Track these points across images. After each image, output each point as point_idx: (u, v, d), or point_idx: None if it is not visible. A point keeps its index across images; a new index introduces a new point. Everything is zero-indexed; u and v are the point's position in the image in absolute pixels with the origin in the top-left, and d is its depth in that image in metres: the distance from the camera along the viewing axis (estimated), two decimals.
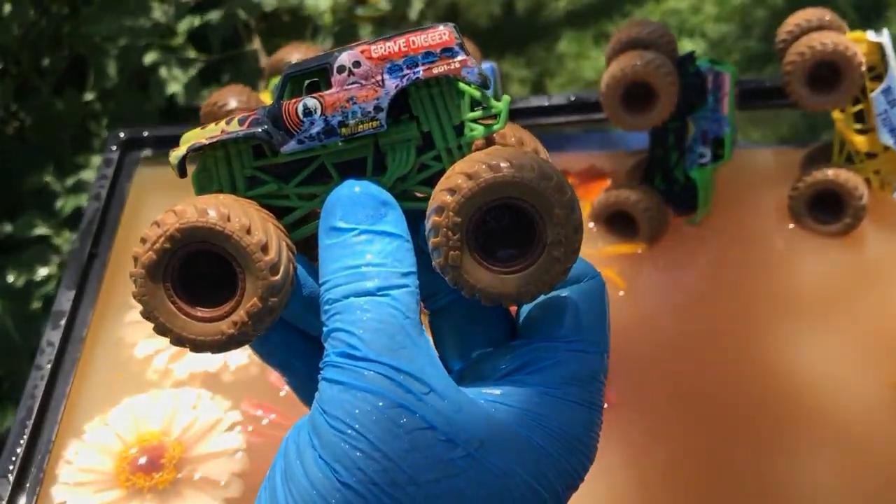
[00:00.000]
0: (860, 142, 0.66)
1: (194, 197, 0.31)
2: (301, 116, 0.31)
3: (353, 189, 0.31)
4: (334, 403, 0.28)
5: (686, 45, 1.80)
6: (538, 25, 1.93)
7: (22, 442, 0.55)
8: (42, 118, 1.38)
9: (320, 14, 1.27)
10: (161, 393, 0.60)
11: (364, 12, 1.29)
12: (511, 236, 0.30)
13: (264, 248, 0.29)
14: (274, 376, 0.61)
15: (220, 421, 0.59)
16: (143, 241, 0.29)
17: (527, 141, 0.33)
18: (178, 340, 0.30)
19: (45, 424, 0.57)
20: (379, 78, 0.31)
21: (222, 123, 0.32)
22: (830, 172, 0.65)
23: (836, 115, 0.66)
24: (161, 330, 0.30)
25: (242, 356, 0.62)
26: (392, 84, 0.31)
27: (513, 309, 0.34)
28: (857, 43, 0.64)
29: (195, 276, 0.30)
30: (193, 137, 0.32)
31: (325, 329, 0.29)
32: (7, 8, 1.12)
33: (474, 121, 0.32)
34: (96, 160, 1.31)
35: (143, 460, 0.56)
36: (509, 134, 0.33)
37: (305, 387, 0.34)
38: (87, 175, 1.25)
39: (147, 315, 0.30)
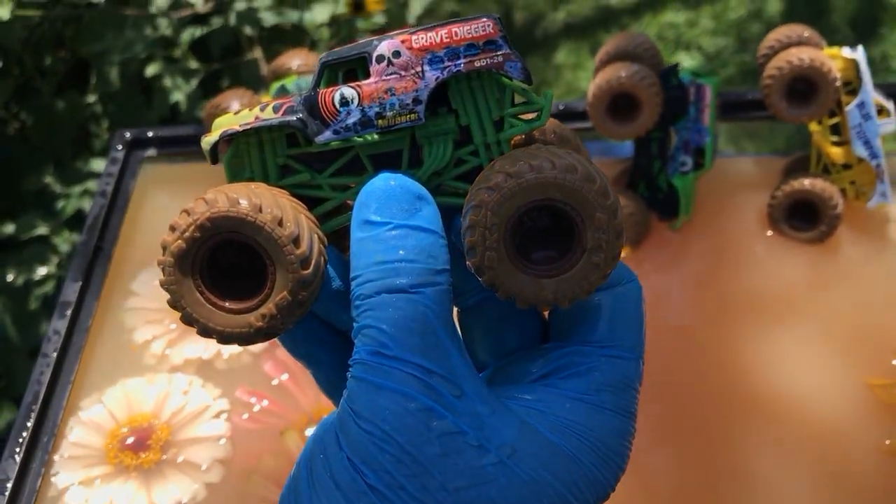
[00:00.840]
0: (836, 153, 0.69)
1: (225, 185, 0.30)
2: (337, 106, 0.30)
3: (389, 182, 0.29)
4: (363, 402, 0.27)
5: (682, 59, 1.83)
6: (536, 36, 1.95)
7: (29, 425, 0.58)
8: (43, 119, 1.38)
9: (317, 28, 1.29)
10: (156, 377, 0.63)
11: (363, 26, 1.31)
12: (549, 238, 0.29)
13: (296, 241, 0.28)
14: (268, 365, 0.63)
15: (208, 408, 0.61)
16: (173, 228, 0.28)
17: (568, 137, 0.32)
18: (205, 331, 0.29)
19: (49, 410, 0.60)
20: (419, 69, 0.30)
21: (256, 110, 0.31)
22: (807, 182, 0.68)
23: (814, 127, 0.69)
24: (188, 320, 0.29)
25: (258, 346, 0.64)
26: (432, 76, 0.30)
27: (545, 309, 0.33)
28: (833, 59, 0.67)
29: (224, 266, 0.29)
30: (226, 123, 0.31)
31: (355, 325, 0.28)
32: (9, 7, 1.14)
33: (514, 116, 0.31)
34: (96, 162, 1.33)
35: (131, 440, 0.59)
36: (549, 130, 0.32)
37: (330, 381, 0.33)
38: (91, 185, 1.27)
39: (174, 304, 0.29)
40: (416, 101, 0.30)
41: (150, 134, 0.77)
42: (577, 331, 0.30)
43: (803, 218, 0.69)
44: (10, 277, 1.23)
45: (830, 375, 0.61)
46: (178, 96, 1.19)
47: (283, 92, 0.67)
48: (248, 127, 0.30)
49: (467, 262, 0.29)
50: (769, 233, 0.70)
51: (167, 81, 1.20)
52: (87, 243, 0.69)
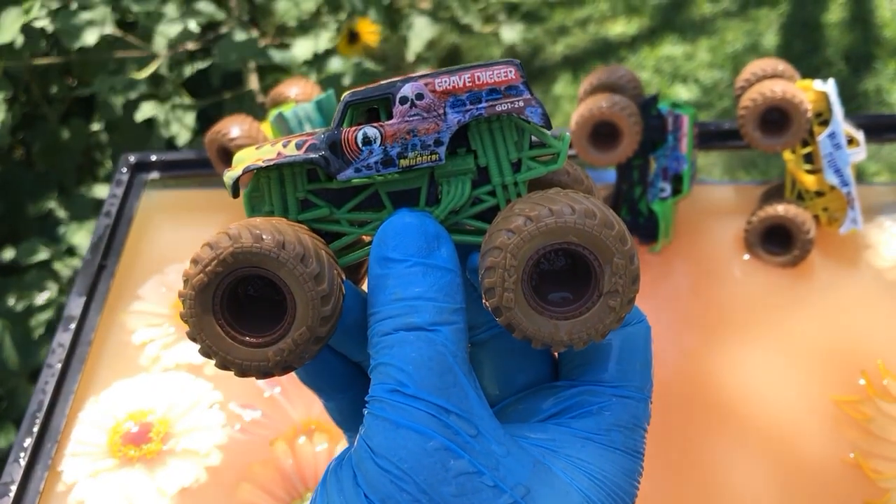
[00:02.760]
0: (809, 181, 0.72)
1: (247, 219, 0.30)
2: (360, 145, 0.30)
3: (407, 220, 0.30)
4: (380, 440, 0.27)
5: (679, 91, 1.87)
6: (535, 68, 1.99)
7: (34, 430, 0.61)
8: (48, 146, 1.40)
9: (298, 67, 1.31)
10: (150, 377, 0.66)
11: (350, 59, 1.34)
12: (565, 280, 0.30)
13: (317, 279, 0.28)
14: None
15: (202, 399, 0.64)
16: (195, 262, 0.29)
17: (581, 178, 0.33)
18: (224, 364, 0.29)
19: (53, 418, 0.62)
20: (441, 111, 0.30)
21: (278, 146, 0.31)
22: (781, 208, 0.71)
23: (787, 156, 0.72)
24: (206, 352, 0.29)
25: None
26: (454, 119, 0.30)
27: None
28: (805, 91, 0.70)
29: (243, 299, 0.30)
30: (248, 158, 0.32)
31: (372, 361, 0.28)
32: (20, 40, 1.18)
33: (532, 158, 0.31)
34: (100, 188, 1.36)
35: (133, 430, 0.62)
36: (563, 171, 0.33)
37: (342, 412, 0.34)
38: (90, 224, 1.29)
39: (193, 336, 0.29)
40: (438, 142, 0.30)
41: (154, 158, 0.81)
42: (588, 370, 0.31)
43: (778, 242, 0.72)
44: (11, 302, 1.25)
45: (800, 392, 0.63)
46: (176, 130, 1.22)
47: (280, 119, 0.70)
48: (272, 163, 0.31)
49: (484, 302, 0.29)
50: (745, 256, 0.73)
51: (162, 118, 1.23)
52: (92, 261, 0.72)
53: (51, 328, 1.19)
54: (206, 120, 1.31)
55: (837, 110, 0.70)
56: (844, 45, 1.94)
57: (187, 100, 1.27)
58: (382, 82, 0.31)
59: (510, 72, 0.30)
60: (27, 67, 1.28)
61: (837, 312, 0.69)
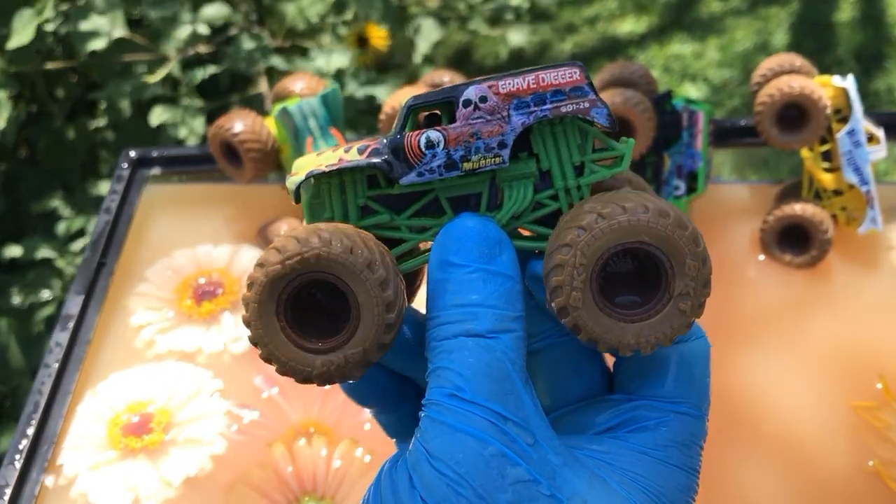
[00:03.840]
0: (827, 180, 0.70)
1: (313, 224, 0.29)
2: (423, 149, 0.30)
3: (469, 224, 0.30)
4: (438, 444, 0.27)
5: (688, 90, 1.85)
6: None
7: (29, 432, 0.59)
8: (53, 144, 1.40)
9: (322, 76, 1.31)
10: (147, 368, 0.65)
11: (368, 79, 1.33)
12: (631, 283, 0.29)
13: (383, 285, 0.28)
14: (259, 380, 0.64)
15: (202, 390, 0.63)
16: (261, 265, 0.28)
17: (644, 186, 0.32)
18: (284, 369, 0.29)
19: (49, 420, 0.61)
20: (505, 114, 0.30)
21: (340, 151, 0.31)
22: (798, 208, 0.69)
23: (805, 153, 0.70)
24: (268, 357, 0.29)
25: (218, 344, 0.67)
26: (518, 121, 0.30)
27: (608, 358, 0.33)
28: (824, 87, 0.68)
29: (305, 303, 0.29)
30: (310, 164, 0.31)
31: (430, 365, 0.28)
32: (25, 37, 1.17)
33: (595, 161, 0.31)
34: (104, 185, 1.35)
35: (135, 420, 0.61)
36: (625, 178, 0.32)
37: (393, 424, 0.34)
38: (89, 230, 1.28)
39: (256, 340, 0.29)
40: (502, 144, 0.30)
41: (155, 153, 0.79)
42: (645, 384, 0.31)
43: (795, 243, 0.70)
44: (15, 300, 1.24)
45: (817, 397, 0.62)
46: (184, 132, 1.21)
47: (284, 114, 0.68)
48: (335, 168, 0.30)
49: (550, 304, 0.29)
50: (761, 257, 0.71)
51: (171, 120, 1.22)
52: (91, 259, 0.70)
53: (51, 325, 1.18)
54: (211, 122, 1.30)
55: (857, 107, 0.68)
56: (855, 44, 1.92)
57: (199, 102, 1.26)
58: (445, 86, 0.31)
59: (574, 73, 0.30)
60: (34, 68, 1.27)
61: (856, 315, 0.67)
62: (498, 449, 0.27)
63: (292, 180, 0.31)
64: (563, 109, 0.30)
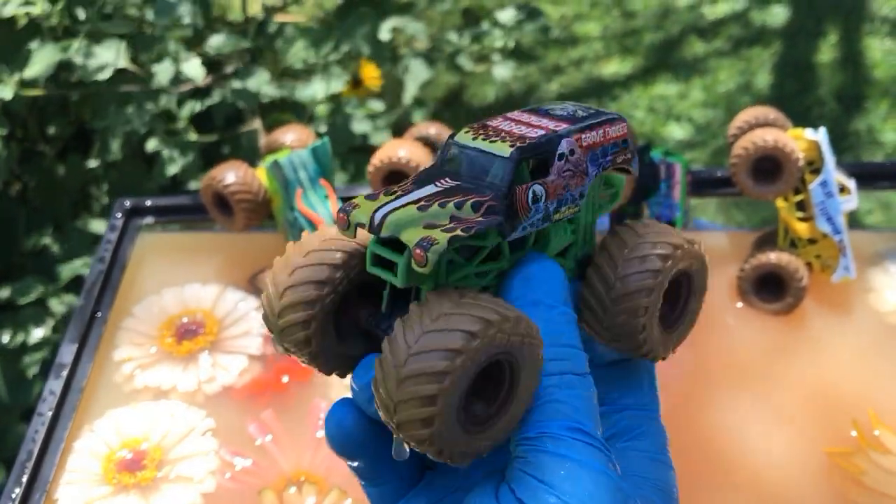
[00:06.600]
0: (802, 229, 0.72)
1: (471, 297, 0.27)
2: (530, 203, 0.30)
3: (551, 266, 0.30)
4: (563, 478, 0.26)
5: (673, 130, 1.88)
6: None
7: (23, 480, 0.60)
8: (45, 182, 1.40)
9: (315, 104, 1.33)
10: (140, 405, 0.67)
11: (363, 109, 1.35)
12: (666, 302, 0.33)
13: (539, 355, 0.28)
14: (252, 427, 0.65)
15: (195, 428, 0.65)
16: (449, 351, 0.26)
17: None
18: (446, 456, 0.27)
19: (42, 467, 0.62)
20: (584, 166, 0.31)
21: (450, 207, 0.29)
22: (773, 256, 0.71)
23: (780, 203, 0.72)
24: (449, 456, 0.27)
25: (192, 383, 0.69)
26: (593, 171, 0.31)
27: None
28: (797, 140, 0.70)
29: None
30: (371, 209, 0.29)
31: (538, 399, 0.28)
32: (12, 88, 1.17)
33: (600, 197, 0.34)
34: (95, 223, 1.36)
35: (129, 457, 0.63)
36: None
37: (385, 497, 0.33)
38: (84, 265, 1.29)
39: (437, 448, 0.27)
40: (582, 195, 0.31)
41: (149, 203, 0.81)
42: (628, 395, 0.34)
43: (771, 290, 0.72)
44: (5, 339, 1.25)
45: (792, 442, 0.63)
46: (176, 168, 1.23)
47: (276, 167, 0.70)
48: (472, 231, 0.28)
49: (630, 327, 0.32)
50: (739, 304, 0.73)
51: (166, 154, 1.24)
52: (85, 308, 0.72)
53: (45, 368, 1.19)
54: (205, 157, 1.32)
55: (829, 159, 0.70)
56: (836, 85, 1.96)
57: (193, 136, 1.28)
58: (541, 137, 0.30)
59: (623, 126, 0.32)
60: (26, 103, 1.28)
61: (831, 360, 0.69)
62: (615, 483, 0.27)
63: (435, 249, 0.27)
64: (618, 160, 0.32)
